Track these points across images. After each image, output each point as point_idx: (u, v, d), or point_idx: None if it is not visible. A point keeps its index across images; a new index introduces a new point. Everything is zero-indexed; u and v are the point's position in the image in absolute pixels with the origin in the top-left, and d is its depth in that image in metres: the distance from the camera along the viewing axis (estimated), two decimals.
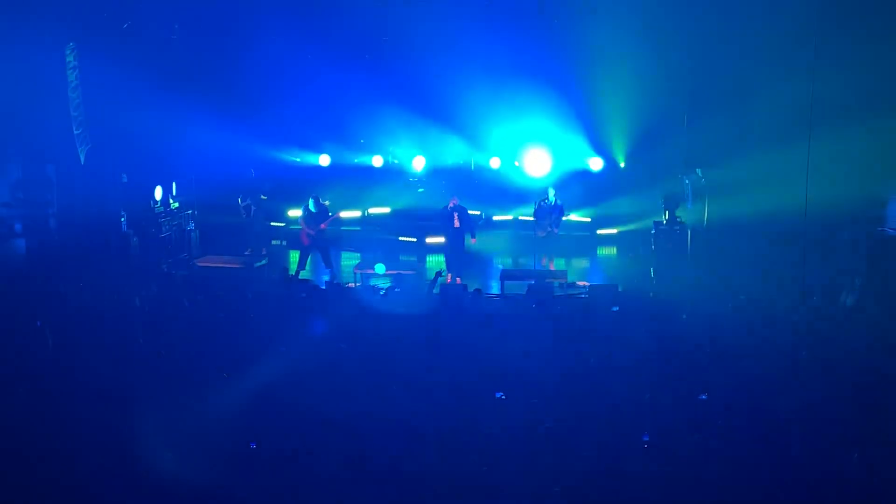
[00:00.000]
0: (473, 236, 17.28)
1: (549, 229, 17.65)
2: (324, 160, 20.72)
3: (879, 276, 14.25)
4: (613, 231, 19.71)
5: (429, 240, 19.47)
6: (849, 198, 16.25)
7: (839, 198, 15.69)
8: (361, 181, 20.35)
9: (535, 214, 17.83)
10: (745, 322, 12.10)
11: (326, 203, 17.63)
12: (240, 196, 19.10)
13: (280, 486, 7.80)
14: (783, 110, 15.89)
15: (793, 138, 15.65)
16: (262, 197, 19.19)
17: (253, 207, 19.08)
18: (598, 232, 19.77)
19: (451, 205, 17.18)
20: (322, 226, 17.26)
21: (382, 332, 11.58)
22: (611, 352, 10.69)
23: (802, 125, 13.99)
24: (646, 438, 8.21)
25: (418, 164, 20.58)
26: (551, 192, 17.71)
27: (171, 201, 18.51)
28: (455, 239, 17.12)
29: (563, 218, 17.84)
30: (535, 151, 19.62)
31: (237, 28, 18.88)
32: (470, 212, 17.71)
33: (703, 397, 9.26)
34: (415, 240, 19.77)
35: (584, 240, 19.57)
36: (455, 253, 17.15)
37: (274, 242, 19.95)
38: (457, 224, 16.99)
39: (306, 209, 17.38)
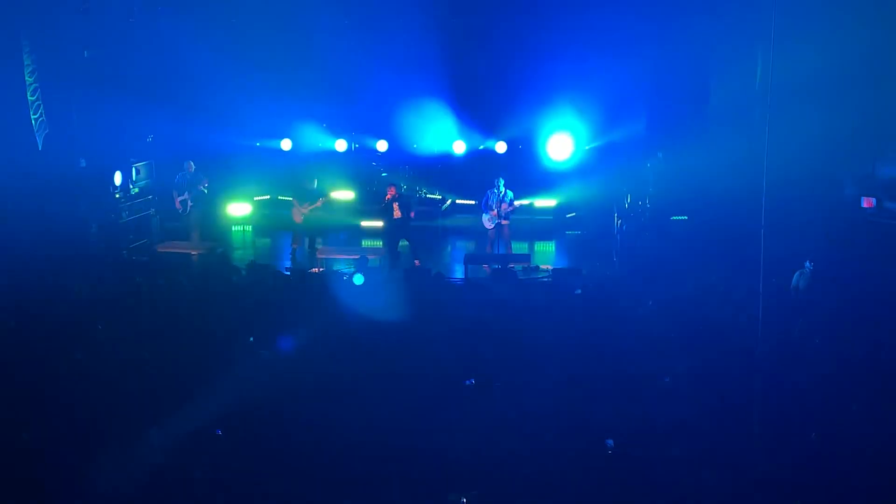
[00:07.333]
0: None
1: (497, 221, 16.77)
2: (285, 144, 20.54)
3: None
4: (575, 215, 19.80)
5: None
6: (807, 179, 16.56)
7: (797, 179, 15.96)
8: (327, 165, 20.17)
9: (483, 206, 16.95)
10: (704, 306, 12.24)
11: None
12: (174, 190, 17.88)
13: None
14: (742, 91, 16.09)
15: (752, 119, 15.91)
16: (203, 188, 17.95)
17: (190, 203, 17.90)
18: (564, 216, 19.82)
19: (388, 196, 16.63)
20: (317, 205, 17.19)
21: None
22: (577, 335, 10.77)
23: (762, 105, 14.11)
24: (609, 443, 8.21)
25: (381, 146, 20.43)
26: (500, 182, 16.73)
27: (130, 186, 18.22)
28: (396, 229, 16.60)
29: (514, 205, 16.79)
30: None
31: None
32: (428, 196, 17.40)
33: (667, 380, 9.37)
34: (380, 225, 19.63)
35: (548, 224, 19.61)
36: (394, 244, 16.60)
37: (235, 230, 19.73)
38: (397, 214, 16.52)
39: (300, 188, 17.37)
